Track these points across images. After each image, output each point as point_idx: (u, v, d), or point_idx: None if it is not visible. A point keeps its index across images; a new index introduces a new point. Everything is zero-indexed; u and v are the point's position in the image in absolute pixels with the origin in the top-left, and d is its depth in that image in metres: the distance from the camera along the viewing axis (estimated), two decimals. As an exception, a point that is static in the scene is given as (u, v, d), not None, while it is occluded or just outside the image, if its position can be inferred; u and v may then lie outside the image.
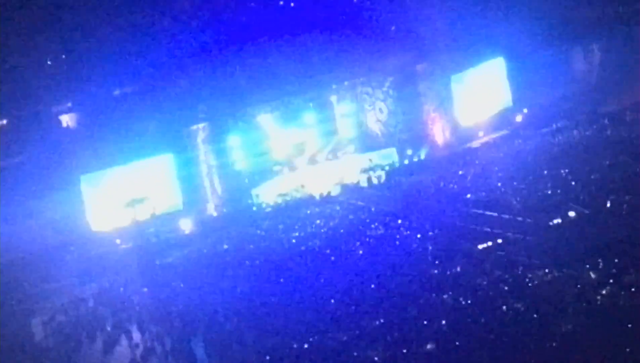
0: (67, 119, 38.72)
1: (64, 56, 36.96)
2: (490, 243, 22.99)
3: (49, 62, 37.17)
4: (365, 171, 40.17)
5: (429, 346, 16.90)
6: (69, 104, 38.91)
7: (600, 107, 40.16)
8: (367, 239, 27.33)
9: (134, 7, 37.09)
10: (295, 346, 18.91)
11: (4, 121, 37.28)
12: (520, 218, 25.00)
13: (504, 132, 42.21)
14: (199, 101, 38.58)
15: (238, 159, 39.96)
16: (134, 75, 38.18)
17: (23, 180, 35.08)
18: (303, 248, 28.31)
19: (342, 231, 29.62)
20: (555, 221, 23.54)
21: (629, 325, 15.33)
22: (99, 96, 38.07)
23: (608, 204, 23.48)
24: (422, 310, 18.80)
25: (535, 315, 16.99)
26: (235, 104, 39.36)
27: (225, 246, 31.71)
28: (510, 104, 44.50)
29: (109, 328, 24.18)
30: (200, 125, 38.79)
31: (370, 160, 40.80)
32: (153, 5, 37.07)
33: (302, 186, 39.41)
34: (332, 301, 21.22)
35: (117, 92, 38.90)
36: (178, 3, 37.53)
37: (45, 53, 36.90)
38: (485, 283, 19.86)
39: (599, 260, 18.85)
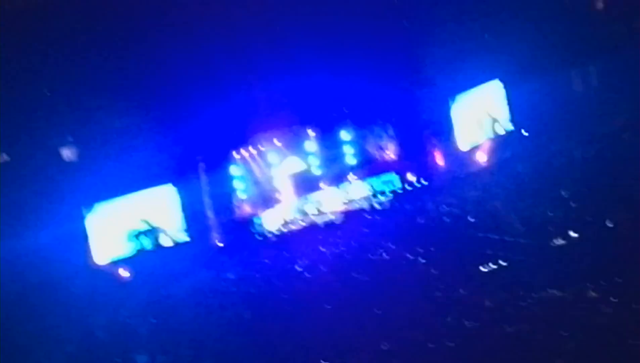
0: (67, 153, 38.91)
1: (62, 90, 37.10)
2: (493, 266, 23.08)
3: (47, 96, 37.35)
4: (367, 197, 40.42)
5: (435, 368, 17.05)
6: (69, 138, 39.13)
7: (599, 128, 40.29)
8: (371, 264, 27.45)
9: (132, 39, 37.30)
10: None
11: (4, 156, 37.44)
12: (522, 240, 25.08)
13: (504, 155, 42.38)
14: (200, 131, 38.76)
15: (240, 188, 40.16)
16: (133, 106, 38.37)
17: (24, 215, 35.22)
18: (308, 275, 28.47)
19: (346, 257, 29.78)
20: (557, 242, 23.64)
21: (631, 342, 15.48)
22: (99, 129, 38.27)
23: (610, 224, 23.59)
24: (427, 333, 18.87)
25: (539, 335, 17.11)
26: (237, 133, 39.56)
27: (230, 275, 31.86)
28: (510, 127, 44.73)
29: (115, 360, 24.23)
30: (202, 155, 39.00)
31: (371, 186, 41.04)
32: (152, 36, 37.26)
33: (305, 214, 39.67)
34: (338, 326, 21.34)
35: (117, 124, 39.11)
36: (177, 34, 37.72)
37: (43, 87, 37.06)
38: (488, 304, 19.97)
39: (601, 279, 18.97)
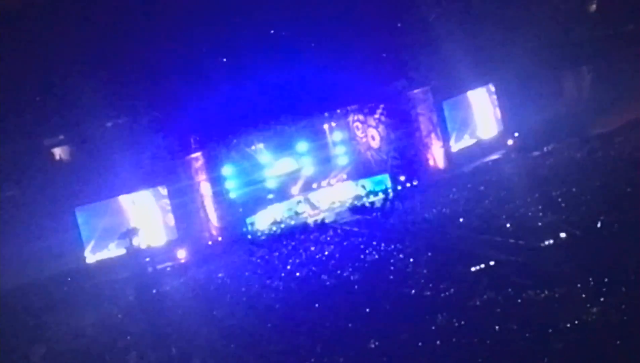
0: (60, 152, 38.89)
1: (55, 89, 37.10)
2: (482, 265, 23.10)
3: (40, 96, 37.35)
4: (358, 197, 40.46)
5: (423, 367, 17.10)
6: (62, 137, 39.08)
7: (589, 129, 40.46)
8: (362, 264, 27.48)
9: (123, 39, 37.32)
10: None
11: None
12: (512, 240, 25.15)
13: (495, 156, 42.49)
14: (192, 132, 38.78)
15: (232, 189, 40.14)
16: (126, 106, 38.40)
17: (17, 214, 35.20)
18: (298, 274, 28.47)
19: (337, 256, 29.79)
20: (546, 243, 23.70)
21: (619, 342, 15.55)
22: (91, 128, 38.25)
23: (598, 225, 23.66)
24: (417, 331, 18.93)
25: (527, 335, 17.16)
26: (228, 134, 39.56)
27: (221, 275, 31.87)
28: (502, 128, 44.88)
29: (107, 357, 24.19)
30: (194, 155, 39.00)
31: (363, 186, 41.12)
32: (143, 37, 37.29)
33: (296, 214, 39.73)
34: (328, 325, 21.39)
35: (109, 124, 39.09)
36: (168, 35, 37.74)
37: (36, 86, 37.06)
38: (478, 304, 20.03)
39: (590, 279, 19.03)
